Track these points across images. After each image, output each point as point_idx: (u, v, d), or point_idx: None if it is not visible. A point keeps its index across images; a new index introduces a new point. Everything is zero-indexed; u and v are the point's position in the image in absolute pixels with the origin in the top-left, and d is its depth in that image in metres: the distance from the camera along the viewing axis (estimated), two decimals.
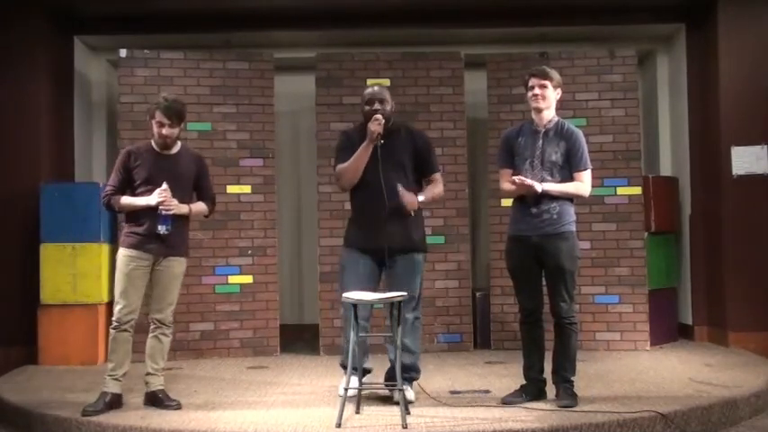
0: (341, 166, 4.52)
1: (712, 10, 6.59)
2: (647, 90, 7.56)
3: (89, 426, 4.17)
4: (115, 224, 6.16)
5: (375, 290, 4.50)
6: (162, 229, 4.35)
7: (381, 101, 4.50)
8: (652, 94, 7.50)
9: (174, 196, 4.39)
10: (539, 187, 4.30)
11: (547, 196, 4.34)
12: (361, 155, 4.43)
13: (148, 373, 4.47)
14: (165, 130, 4.44)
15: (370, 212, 4.46)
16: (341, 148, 4.59)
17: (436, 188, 4.61)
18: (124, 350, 4.43)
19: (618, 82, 6.64)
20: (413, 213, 4.43)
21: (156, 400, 4.42)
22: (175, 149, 4.56)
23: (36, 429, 4.40)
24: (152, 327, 4.50)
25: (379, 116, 4.40)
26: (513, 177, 4.36)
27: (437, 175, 4.64)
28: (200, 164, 4.68)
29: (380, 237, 4.37)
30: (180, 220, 4.48)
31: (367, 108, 4.50)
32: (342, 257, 4.66)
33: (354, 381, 4.21)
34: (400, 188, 4.35)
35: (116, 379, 4.42)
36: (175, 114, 4.45)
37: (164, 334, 4.50)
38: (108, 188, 4.51)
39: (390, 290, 4.38)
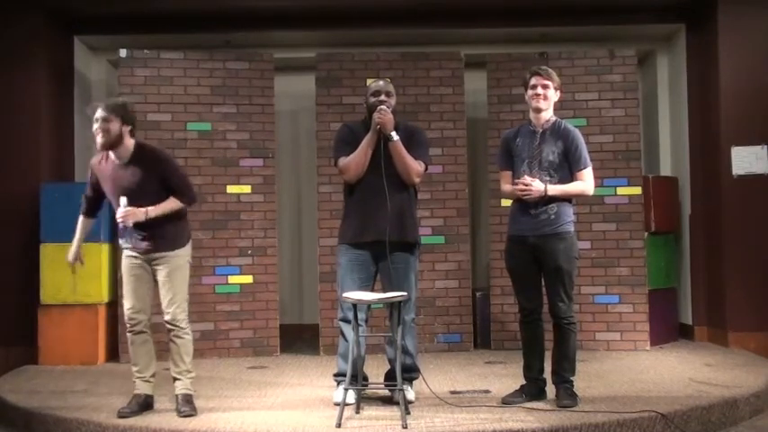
0: (346, 160, 4.48)
1: (712, 10, 6.59)
2: (647, 90, 7.56)
3: (89, 426, 4.17)
4: (114, 224, 6.15)
5: (372, 289, 4.50)
6: (123, 242, 4.35)
7: (388, 94, 4.51)
8: (652, 94, 7.50)
9: (138, 206, 4.18)
10: (540, 186, 4.29)
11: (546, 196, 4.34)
12: (367, 146, 4.42)
13: (173, 378, 4.37)
14: (99, 124, 4.13)
15: (370, 206, 4.43)
16: (344, 141, 4.55)
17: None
18: (145, 351, 4.34)
19: (618, 82, 6.64)
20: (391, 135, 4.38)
21: (176, 404, 4.30)
22: (127, 156, 4.24)
23: (36, 429, 4.40)
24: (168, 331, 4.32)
25: (384, 107, 4.40)
26: (516, 181, 4.36)
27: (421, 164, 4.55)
28: (161, 166, 4.29)
29: (379, 230, 4.36)
30: (152, 221, 4.22)
31: (373, 99, 4.48)
32: (339, 257, 4.64)
33: (351, 395, 4.22)
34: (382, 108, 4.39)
35: (146, 380, 4.35)
36: (112, 108, 4.17)
37: (177, 336, 4.29)
38: (82, 199, 4.50)
39: (387, 290, 4.37)
